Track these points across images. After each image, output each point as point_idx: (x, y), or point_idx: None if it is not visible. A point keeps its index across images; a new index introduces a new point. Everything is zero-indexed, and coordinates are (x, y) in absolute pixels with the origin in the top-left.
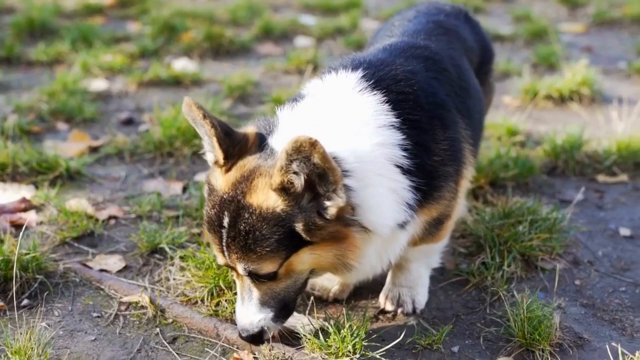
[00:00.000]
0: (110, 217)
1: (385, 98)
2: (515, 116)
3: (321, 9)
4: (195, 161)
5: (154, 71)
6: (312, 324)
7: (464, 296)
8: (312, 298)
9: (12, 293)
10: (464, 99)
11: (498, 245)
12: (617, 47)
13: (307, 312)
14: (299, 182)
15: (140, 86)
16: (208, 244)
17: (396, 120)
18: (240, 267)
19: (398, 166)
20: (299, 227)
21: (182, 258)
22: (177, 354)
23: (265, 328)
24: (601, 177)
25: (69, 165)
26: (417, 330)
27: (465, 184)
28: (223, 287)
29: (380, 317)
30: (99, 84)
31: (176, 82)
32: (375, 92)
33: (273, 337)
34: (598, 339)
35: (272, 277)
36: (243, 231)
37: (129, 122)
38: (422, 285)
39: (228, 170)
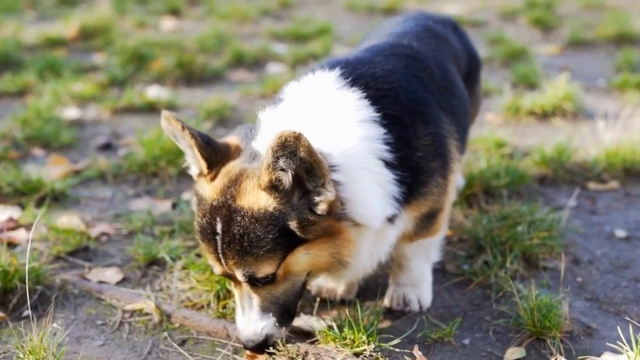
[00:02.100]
0: (102, 234)
1: (364, 94)
2: (500, 131)
3: (291, 37)
4: (181, 181)
5: (128, 98)
6: (324, 321)
7: (469, 295)
8: (318, 300)
9: (26, 303)
10: (447, 98)
11: (499, 245)
12: (594, 67)
13: (314, 313)
14: (287, 178)
15: (115, 113)
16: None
17: (376, 114)
18: (238, 273)
19: (381, 159)
20: (292, 224)
21: (184, 268)
22: (189, 354)
23: (269, 335)
24: (592, 185)
25: (54, 186)
26: (427, 325)
27: (454, 178)
28: (229, 289)
29: (388, 316)
30: (71, 112)
31: (151, 109)
32: (353, 88)
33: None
34: (606, 328)
35: (271, 280)
36: (237, 235)
37: (107, 147)
38: (426, 282)
39: (213, 178)
